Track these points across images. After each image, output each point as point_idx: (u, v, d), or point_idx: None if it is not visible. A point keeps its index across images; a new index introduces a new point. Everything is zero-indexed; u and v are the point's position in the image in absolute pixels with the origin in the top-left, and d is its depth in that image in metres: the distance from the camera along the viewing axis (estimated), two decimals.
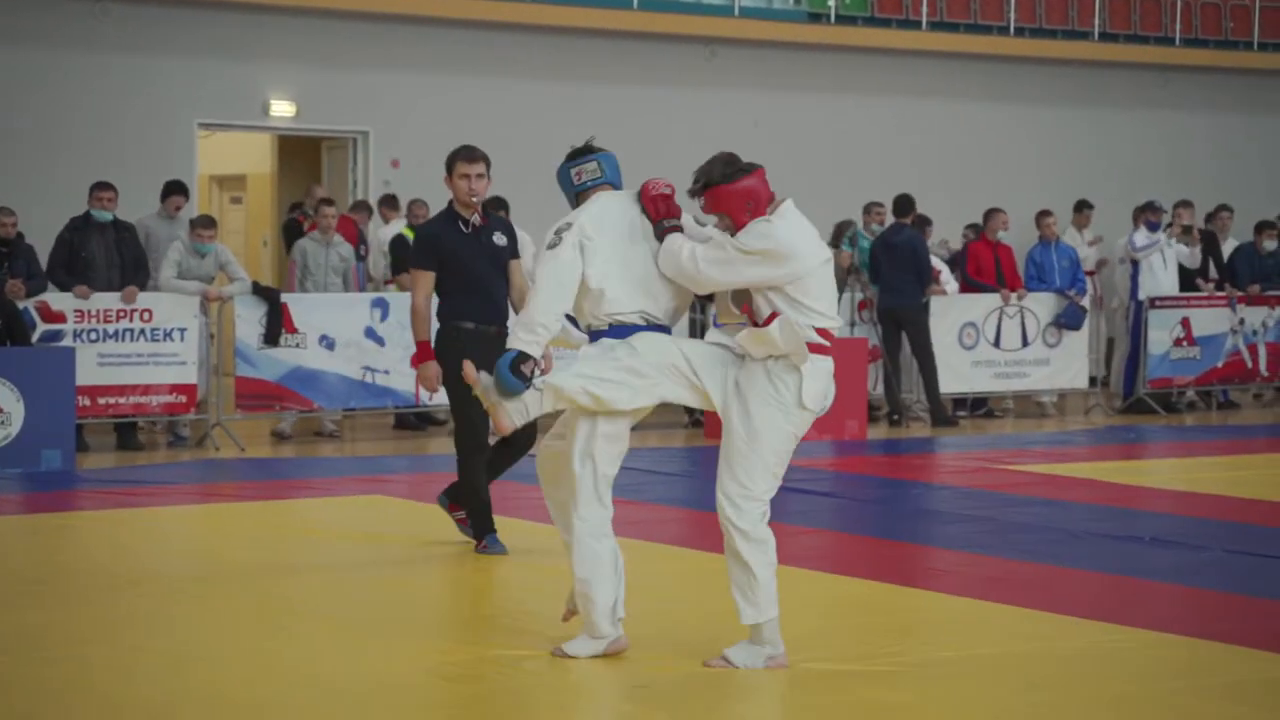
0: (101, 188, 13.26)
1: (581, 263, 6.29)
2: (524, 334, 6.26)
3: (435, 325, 8.70)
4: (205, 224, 13.72)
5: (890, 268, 15.44)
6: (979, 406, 16.51)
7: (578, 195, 6.65)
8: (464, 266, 8.52)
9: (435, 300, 8.69)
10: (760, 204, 6.30)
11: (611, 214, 6.46)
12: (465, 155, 8.55)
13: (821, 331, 6.24)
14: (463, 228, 8.58)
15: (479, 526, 8.62)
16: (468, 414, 8.45)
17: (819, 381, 6.23)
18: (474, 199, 8.53)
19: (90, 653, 6.46)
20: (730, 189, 6.28)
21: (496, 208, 15.02)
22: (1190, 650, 6.71)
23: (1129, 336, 16.99)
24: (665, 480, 11.45)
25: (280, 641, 6.74)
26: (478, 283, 8.53)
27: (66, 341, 12.74)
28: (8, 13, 16.01)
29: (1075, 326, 16.44)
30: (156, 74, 16.69)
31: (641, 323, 6.31)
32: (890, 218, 15.94)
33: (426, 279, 8.58)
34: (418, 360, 8.66)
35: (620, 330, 6.28)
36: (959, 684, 6.15)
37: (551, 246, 6.35)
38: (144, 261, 13.42)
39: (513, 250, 8.73)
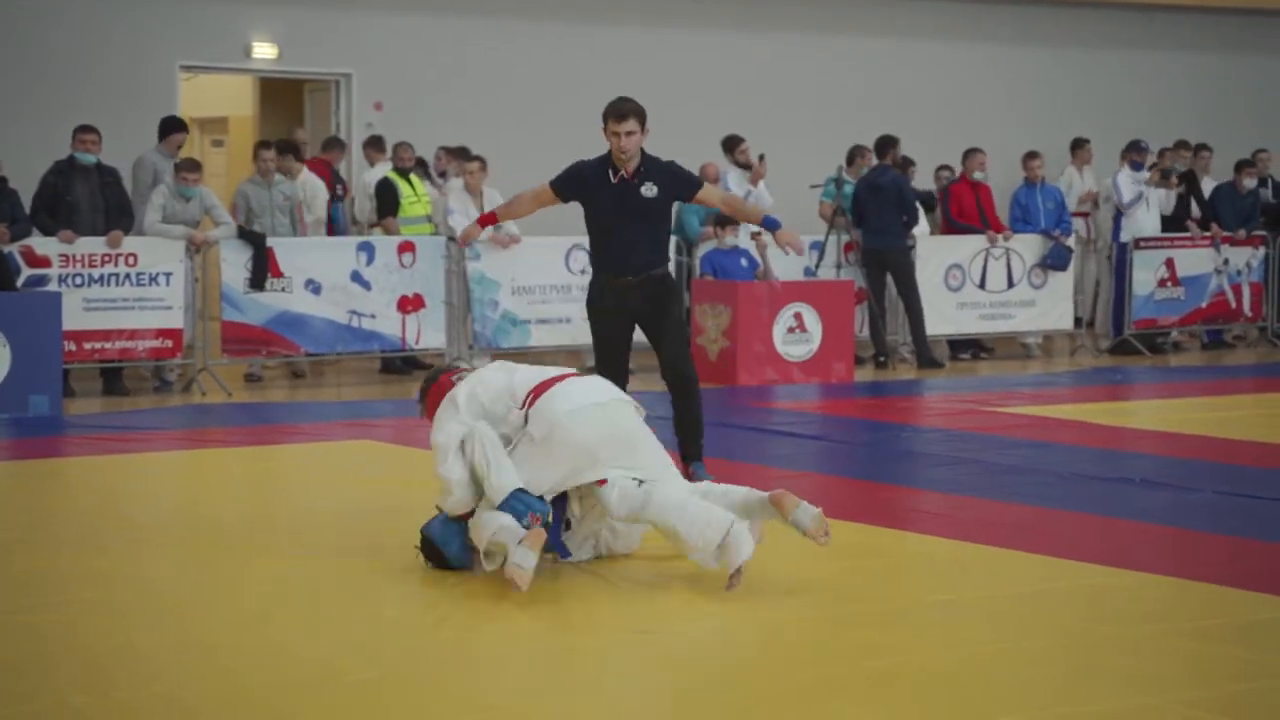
0: (84, 130, 13.17)
1: None
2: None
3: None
4: (190, 167, 13.65)
5: (875, 209, 15.42)
6: (965, 348, 16.52)
7: None
8: (602, 214, 8.74)
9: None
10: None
11: None
12: (613, 113, 8.55)
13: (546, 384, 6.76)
14: (611, 175, 8.68)
15: None
16: (599, 355, 8.85)
17: (544, 412, 6.66)
18: (624, 155, 8.58)
19: (77, 600, 6.45)
20: (430, 400, 7.06)
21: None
22: (1181, 592, 6.73)
23: (1112, 278, 17.01)
24: (651, 424, 11.41)
25: (273, 588, 6.73)
26: (611, 232, 8.71)
27: (51, 286, 12.68)
28: None
29: (1061, 267, 16.46)
30: (138, 16, 16.58)
31: None
32: (874, 160, 15.91)
33: (545, 191, 8.85)
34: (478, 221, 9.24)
35: None
36: (949, 627, 6.17)
37: None
38: (128, 206, 13.35)
39: (674, 195, 8.81)
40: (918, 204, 16.09)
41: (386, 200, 14.84)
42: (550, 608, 6.40)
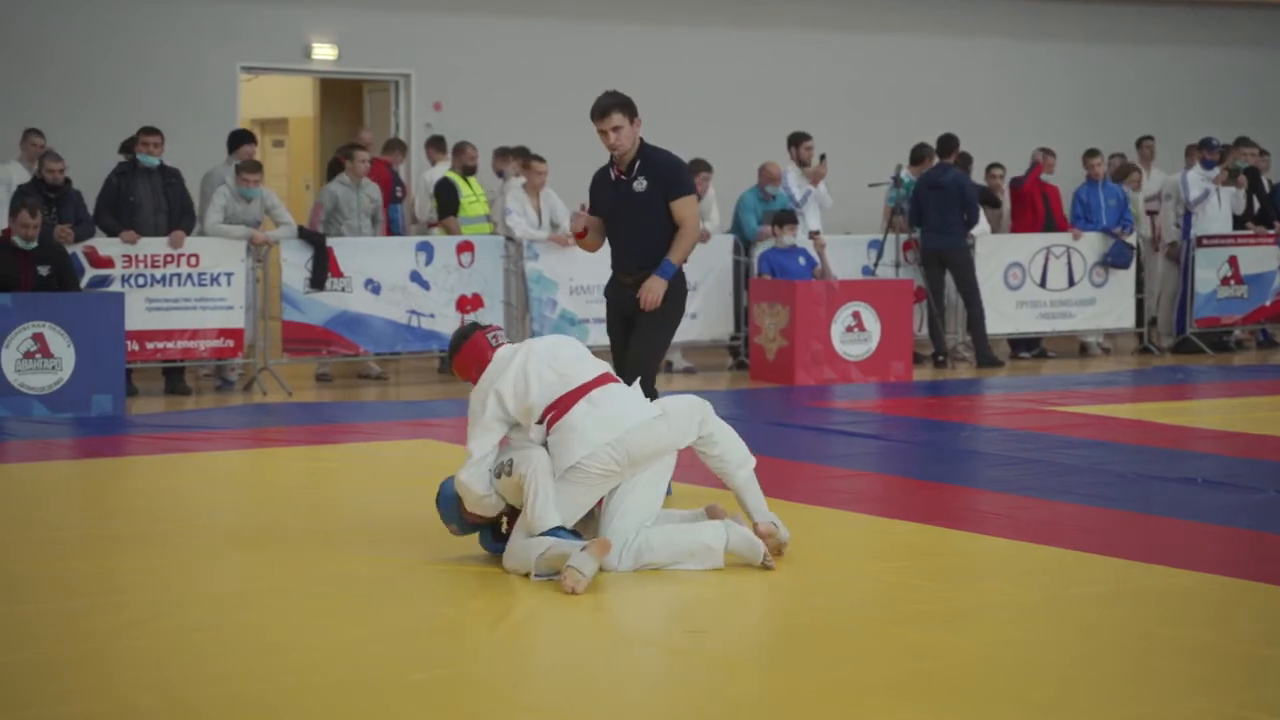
0: (148, 133, 13.29)
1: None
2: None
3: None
4: (251, 168, 13.74)
5: (936, 208, 15.36)
6: (1030, 347, 16.46)
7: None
8: (606, 215, 8.58)
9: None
10: (483, 363, 7.06)
11: None
12: (595, 111, 8.33)
13: (563, 401, 6.82)
14: (610, 174, 8.54)
15: None
16: (612, 349, 8.72)
17: (562, 448, 6.77)
18: (615, 152, 8.40)
19: (138, 600, 6.49)
20: (459, 359, 7.18)
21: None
22: (1242, 593, 6.66)
23: (1180, 276, 16.89)
24: None
25: (330, 588, 6.76)
26: (615, 230, 8.56)
27: (114, 287, 12.81)
28: None
29: (1123, 265, 16.36)
30: (199, 18, 16.70)
31: None
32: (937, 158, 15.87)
33: (592, 222, 8.65)
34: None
35: None
36: (1003, 628, 6.14)
37: None
38: (190, 207, 13.47)
39: (665, 192, 8.39)
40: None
41: (447, 200, 14.91)
42: (604, 608, 6.41)
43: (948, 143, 15.67)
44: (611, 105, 8.30)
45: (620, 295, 8.61)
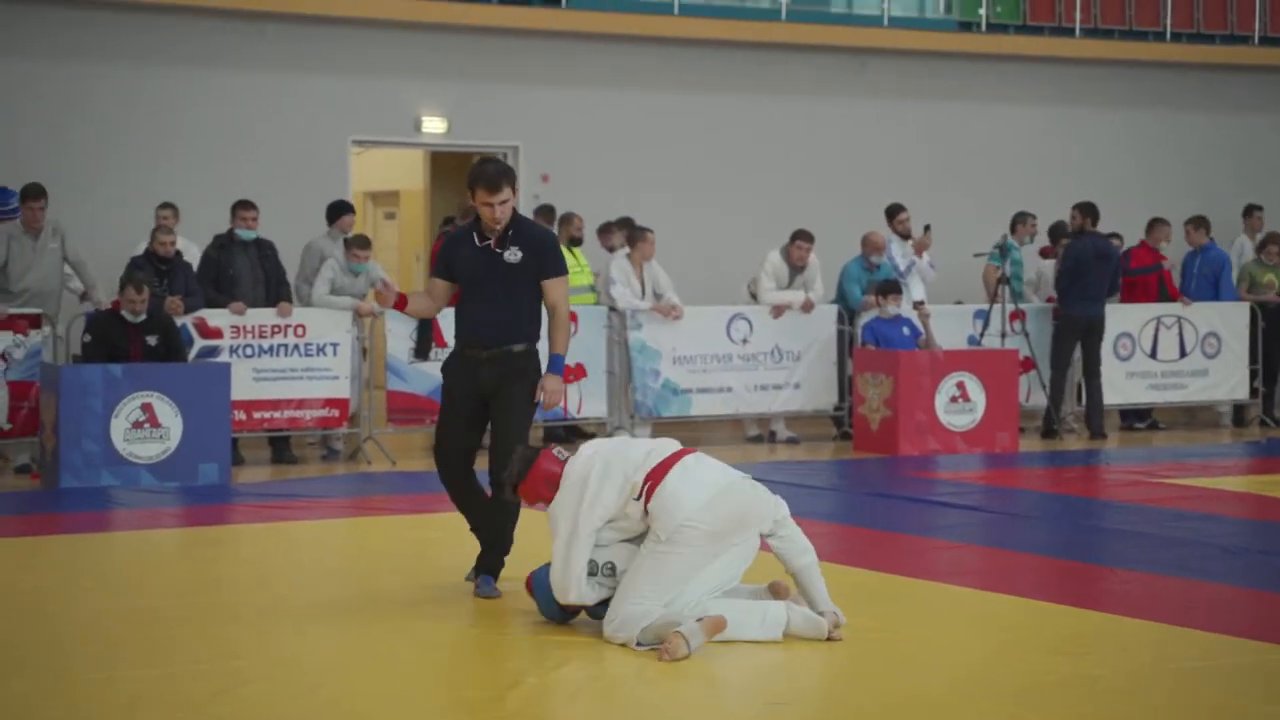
0: (244, 206, 13.52)
1: None
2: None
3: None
4: (361, 244, 13.90)
5: (1097, 277, 15.10)
6: (1142, 418, 16.25)
7: None
8: (467, 283, 8.02)
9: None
10: (553, 479, 7.09)
11: None
12: (485, 183, 7.76)
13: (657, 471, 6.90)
14: (476, 241, 7.95)
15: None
16: (439, 428, 8.34)
17: (663, 513, 6.82)
18: (497, 225, 7.86)
19: (242, 667, 6.54)
20: (527, 485, 7.15)
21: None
22: None
23: None
24: (812, 494, 11.40)
25: (430, 654, 6.80)
26: (467, 299, 8.02)
27: (223, 357, 12.99)
28: (164, 35, 16.37)
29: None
30: (310, 92, 16.97)
31: None
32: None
33: (432, 285, 8.20)
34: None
35: None
36: (1107, 702, 6.04)
37: None
38: (285, 278, 13.64)
39: (540, 268, 7.94)
40: None
41: None
42: (684, 678, 6.38)
43: (1095, 211, 15.45)
44: (502, 176, 7.79)
45: (473, 371, 8.02)
